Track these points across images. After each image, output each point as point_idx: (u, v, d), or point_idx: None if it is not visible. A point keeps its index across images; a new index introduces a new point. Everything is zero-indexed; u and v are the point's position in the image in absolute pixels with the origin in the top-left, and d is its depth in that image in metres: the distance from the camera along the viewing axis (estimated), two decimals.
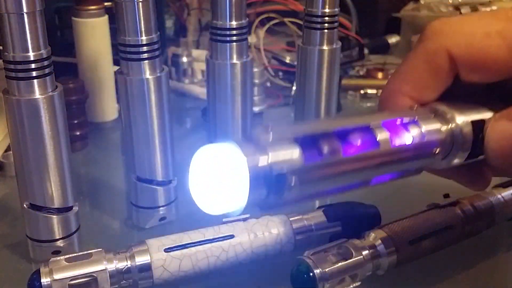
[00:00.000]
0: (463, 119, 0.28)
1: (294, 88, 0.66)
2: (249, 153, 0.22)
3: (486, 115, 0.29)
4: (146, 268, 0.33)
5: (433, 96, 0.30)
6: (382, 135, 0.26)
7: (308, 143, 0.24)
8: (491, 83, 0.30)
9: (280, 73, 0.72)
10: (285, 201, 0.23)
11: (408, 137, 0.27)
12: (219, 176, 0.22)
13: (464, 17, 0.29)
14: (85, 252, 0.33)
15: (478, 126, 0.29)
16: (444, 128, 0.28)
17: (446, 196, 0.39)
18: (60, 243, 0.37)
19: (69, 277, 0.31)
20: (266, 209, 0.24)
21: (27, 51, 0.32)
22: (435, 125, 0.28)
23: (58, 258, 0.32)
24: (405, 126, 0.27)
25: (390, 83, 0.31)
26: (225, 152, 0.22)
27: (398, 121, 0.27)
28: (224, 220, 0.37)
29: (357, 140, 0.25)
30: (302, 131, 0.24)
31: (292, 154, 0.23)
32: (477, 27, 0.27)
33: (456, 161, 0.29)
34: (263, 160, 0.22)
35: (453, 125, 0.28)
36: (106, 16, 0.57)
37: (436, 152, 0.28)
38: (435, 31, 0.28)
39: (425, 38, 0.29)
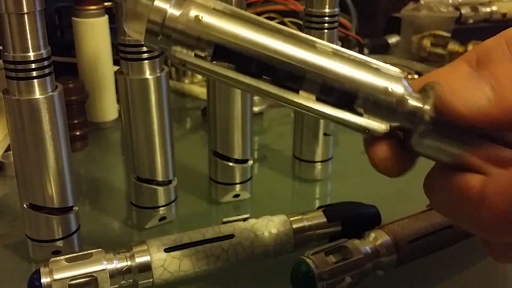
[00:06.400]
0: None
1: None
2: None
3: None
4: (146, 268, 0.33)
5: None
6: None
7: None
8: None
9: None
10: None
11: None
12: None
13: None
14: (85, 252, 0.33)
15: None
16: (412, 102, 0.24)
17: None
18: (60, 243, 0.37)
19: (69, 277, 0.31)
20: None
21: (27, 51, 0.32)
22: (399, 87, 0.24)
23: (58, 258, 0.32)
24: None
25: None
26: None
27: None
28: (224, 220, 0.37)
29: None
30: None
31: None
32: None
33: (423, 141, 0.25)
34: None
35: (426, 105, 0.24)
36: (106, 16, 0.57)
37: (387, 88, 0.24)
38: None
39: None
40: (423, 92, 0.25)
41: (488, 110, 0.22)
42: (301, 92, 0.25)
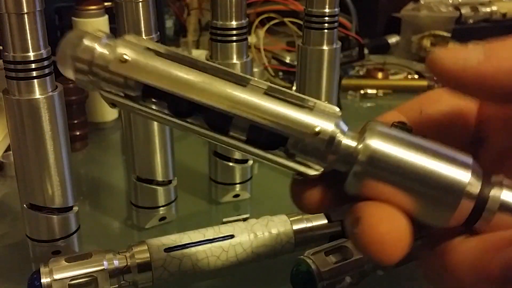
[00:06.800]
0: (373, 146, 0.23)
1: (294, 88, 0.66)
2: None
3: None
4: (146, 268, 0.33)
5: None
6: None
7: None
8: None
9: (280, 73, 0.72)
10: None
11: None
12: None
13: None
14: (85, 252, 0.33)
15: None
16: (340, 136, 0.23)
17: None
18: (60, 243, 0.37)
19: (69, 277, 0.31)
20: None
21: (27, 51, 0.32)
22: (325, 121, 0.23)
23: (58, 258, 0.32)
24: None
25: None
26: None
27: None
28: (224, 220, 0.37)
29: None
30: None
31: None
32: None
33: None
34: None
35: (356, 144, 0.23)
36: (106, 16, 0.57)
37: (316, 131, 0.23)
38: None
39: None
40: (362, 131, 0.24)
41: (476, 67, 0.22)
42: (230, 133, 0.24)
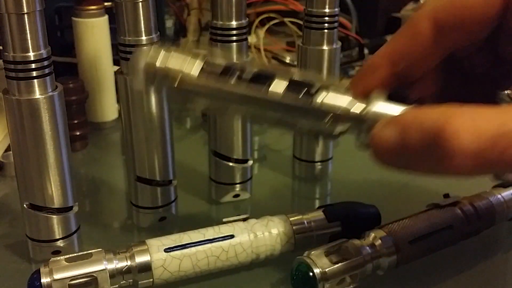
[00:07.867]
0: (377, 109, 0.27)
1: None
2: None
3: None
4: (146, 268, 0.33)
5: (413, 69, 0.30)
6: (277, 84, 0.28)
7: None
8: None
9: None
10: None
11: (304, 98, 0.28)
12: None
13: None
14: (85, 252, 0.33)
15: None
16: (354, 105, 0.28)
17: (446, 196, 0.39)
18: (60, 243, 0.37)
19: (69, 277, 0.31)
20: None
21: (27, 51, 0.32)
22: (343, 99, 0.28)
23: (58, 258, 0.32)
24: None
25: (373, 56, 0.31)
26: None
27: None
28: (224, 220, 0.37)
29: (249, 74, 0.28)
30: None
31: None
32: None
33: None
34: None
35: (365, 110, 0.28)
36: (106, 16, 0.57)
37: (327, 120, 0.28)
38: (423, 4, 0.29)
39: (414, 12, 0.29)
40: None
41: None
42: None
